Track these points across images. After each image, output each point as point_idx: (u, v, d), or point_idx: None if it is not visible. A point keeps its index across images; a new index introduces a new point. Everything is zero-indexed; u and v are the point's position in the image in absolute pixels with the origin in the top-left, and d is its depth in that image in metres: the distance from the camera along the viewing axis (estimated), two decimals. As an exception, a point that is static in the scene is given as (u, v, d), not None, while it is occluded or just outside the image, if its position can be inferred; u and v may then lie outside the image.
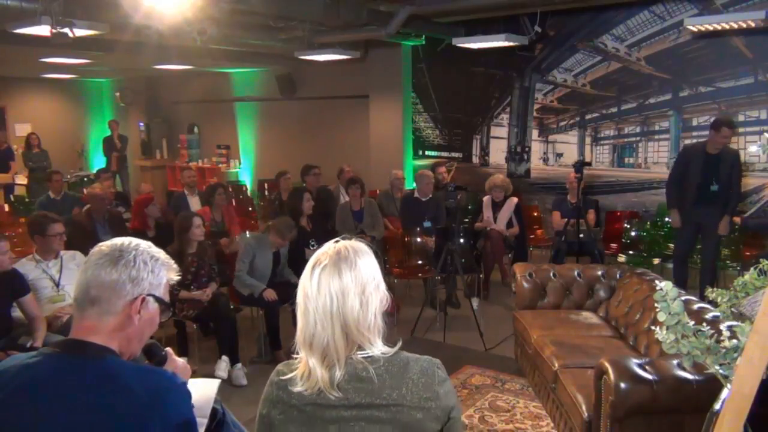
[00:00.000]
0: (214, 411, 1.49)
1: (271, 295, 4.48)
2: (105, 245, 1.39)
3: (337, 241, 1.46)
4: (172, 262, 1.46)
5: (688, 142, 6.57)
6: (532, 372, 3.88)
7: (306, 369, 1.39)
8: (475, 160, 8.36)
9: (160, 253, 1.43)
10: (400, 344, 1.42)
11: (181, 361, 1.54)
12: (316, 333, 1.37)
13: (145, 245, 1.42)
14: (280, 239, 4.63)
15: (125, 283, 1.34)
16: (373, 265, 1.43)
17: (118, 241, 1.40)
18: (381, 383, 1.36)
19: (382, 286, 1.45)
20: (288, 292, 4.52)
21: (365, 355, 1.38)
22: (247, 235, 5.42)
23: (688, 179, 5.25)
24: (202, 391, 1.48)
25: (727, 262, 5.61)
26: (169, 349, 1.54)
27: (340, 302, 1.37)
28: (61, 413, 1.25)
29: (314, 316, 1.38)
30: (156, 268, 1.40)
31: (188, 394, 1.34)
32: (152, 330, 1.44)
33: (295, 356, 1.43)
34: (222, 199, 6.20)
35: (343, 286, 1.37)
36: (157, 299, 1.40)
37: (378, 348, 1.39)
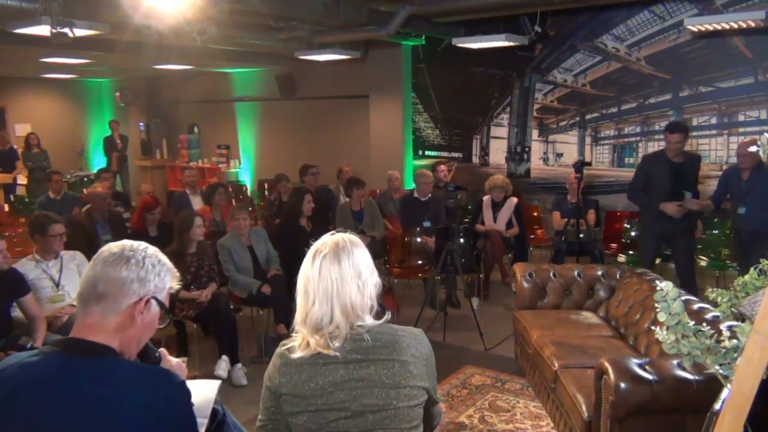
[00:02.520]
0: (214, 412, 1.49)
1: (268, 289, 4.58)
2: (115, 245, 1.43)
3: (332, 234, 1.65)
4: (175, 270, 1.50)
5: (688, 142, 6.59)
6: (532, 372, 3.88)
7: (303, 340, 1.58)
8: (475, 160, 8.36)
9: (166, 259, 1.47)
10: (387, 317, 1.64)
11: (175, 361, 1.54)
12: (312, 311, 1.56)
13: (153, 249, 1.46)
14: (234, 222, 4.84)
15: (133, 282, 1.37)
16: (367, 255, 1.64)
17: (128, 242, 1.44)
18: (374, 344, 1.57)
19: (375, 273, 1.65)
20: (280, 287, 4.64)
21: (359, 324, 1.59)
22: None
23: (653, 190, 5.01)
24: (203, 391, 1.48)
25: (727, 262, 5.61)
26: (163, 350, 1.54)
27: (339, 286, 1.56)
28: (61, 412, 1.25)
29: (314, 296, 1.57)
30: (162, 273, 1.43)
31: (187, 393, 1.34)
32: (151, 334, 1.46)
33: (293, 334, 1.63)
34: (222, 198, 6.21)
35: (342, 273, 1.57)
36: (159, 303, 1.43)
37: (369, 320, 1.61)
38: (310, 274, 1.59)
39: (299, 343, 1.60)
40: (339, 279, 1.56)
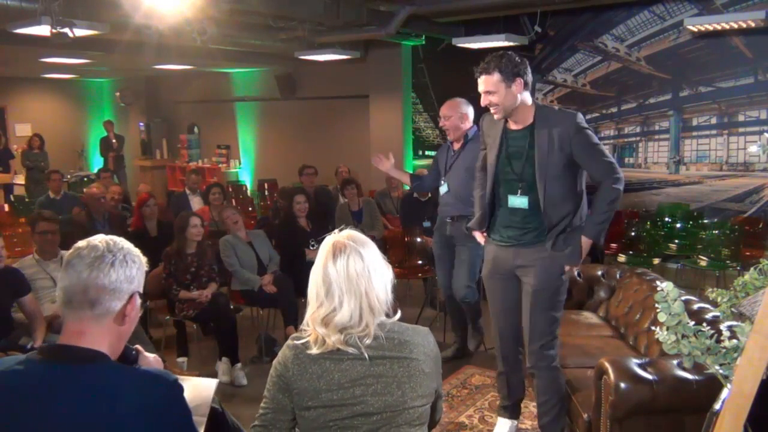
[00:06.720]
0: (213, 411, 1.48)
1: (270, 288, 4.58)
2: (92, 245, 1.37)
3: (339, 231, 1.65)
4: (138, 251, 1.46)
5: (688, 142, 6.60)
6: (532, 372, 3.87)
7: (318, 337, 1.55)
8: (475, 160, 8.35)
9: (134, 248, 1.44)
10: (399, 315, 1.65)
11: (152, 356, 1.53)
12: (338, 311, 1.54)
13: (125, 242, 1.42)
14: (227, 218, 4.86)
15: (122, 283, 1.35)
16: (376, 247, 1.65)
17: (101, 240, 1.38)
18: (389, 343, 1.57)
19: (389, 265, 1.66)
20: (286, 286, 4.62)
21: (376, 322, 1.58)
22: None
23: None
24: (200, 390, 1.47)
25: (727, 262, 5.60)
26: (138, 347, 1.53)
27: (367, 282, 1.55)
28: (48, 422, 1.23)
29: (339, 297, 1.54)
30: (141, 265, 1.42)
31: (182, 390, 1.33)
32: (135, 324, 1.43)
33: (305, 328, 1.60)
34: (216, 198, 6.19)
35: (368, 267, 1.57)
36: (140, 295, 1.41)
37: (383, 317, 1.61)
38: (334, 274, 1.55)
39: (314, 339, 1.56)
40: (367, 275, 1.56)
